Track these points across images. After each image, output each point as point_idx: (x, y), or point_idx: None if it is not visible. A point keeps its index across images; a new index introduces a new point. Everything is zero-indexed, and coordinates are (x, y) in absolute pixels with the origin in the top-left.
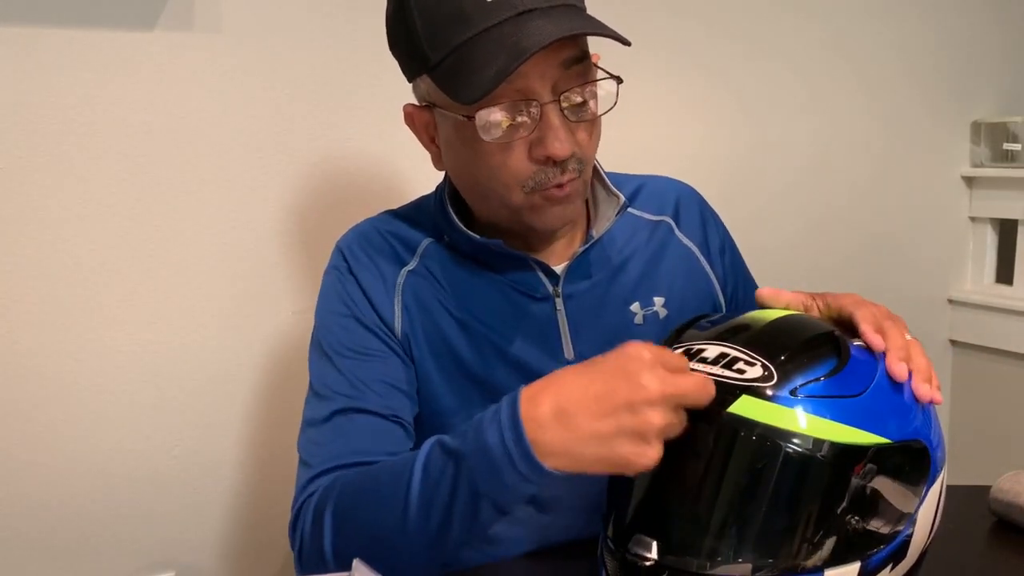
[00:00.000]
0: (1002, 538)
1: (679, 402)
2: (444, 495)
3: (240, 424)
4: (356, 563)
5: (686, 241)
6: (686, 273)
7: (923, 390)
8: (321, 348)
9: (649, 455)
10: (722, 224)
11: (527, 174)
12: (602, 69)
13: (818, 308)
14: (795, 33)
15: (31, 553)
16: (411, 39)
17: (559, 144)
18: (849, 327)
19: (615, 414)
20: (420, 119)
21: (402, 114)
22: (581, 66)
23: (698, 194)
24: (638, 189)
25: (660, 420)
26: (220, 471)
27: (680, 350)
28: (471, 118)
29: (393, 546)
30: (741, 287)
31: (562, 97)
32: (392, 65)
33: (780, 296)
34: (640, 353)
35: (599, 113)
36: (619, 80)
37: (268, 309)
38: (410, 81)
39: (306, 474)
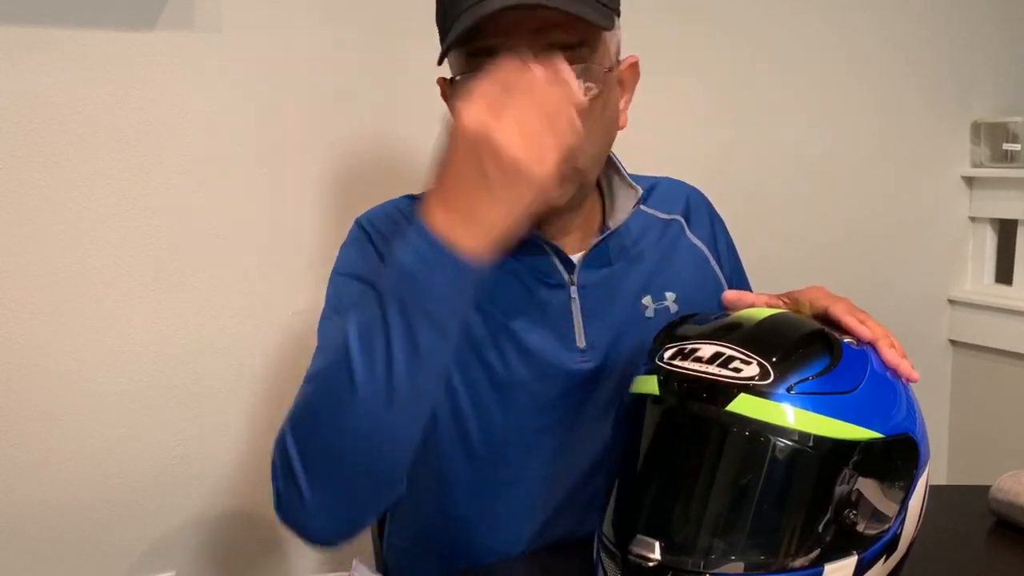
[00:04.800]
0: (1002, 538)
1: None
2: (379, 334)
3: (241, 424)
4: (356, 563)
5: (696, 241)
6: (697, 272)
7: (905, 367)
8: (331, 310)
9: (541, 169)
10: (725, 227)
11: None
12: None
13: (798, 307)
14: (795, 34)
15: (31, 553)
16: (439, 15)
17: None
18: (827, 321)
19: (482, 173)
20: (446, 92)
21: (400, 115)
22: (572, 52)
23: (705, 197)
24: (651, 188)
25: (511, 139)
26: (221, 471)
27: (673, 349)
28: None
29: (354, 422)
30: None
31: None
32: (391, 65)
33: (743, 298)
34: (464, 115)
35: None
36: (609, 69)
37: (268, 310)
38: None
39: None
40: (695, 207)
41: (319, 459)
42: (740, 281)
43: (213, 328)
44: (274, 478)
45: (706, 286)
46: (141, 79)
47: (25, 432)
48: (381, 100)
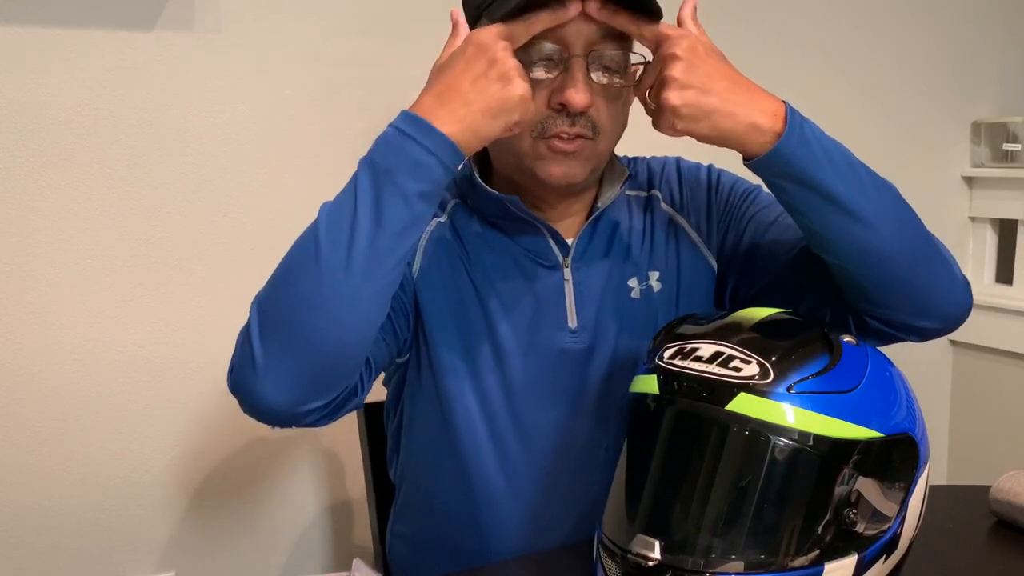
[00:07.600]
0: (1002, 538)
1: (512, 43)
2: (348, 197)
3: (240, 424)
4: (356, 562)
5: (669, 209)
6: (677, 246)
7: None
8: None
9: (520, 85)
10: (704, 175)
11: (539, 119)
12: (638, 54)
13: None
14: (795, 34)
15: (32, 553)
16: None
17: (575, 92)
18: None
19: (482, 72)
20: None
21: None
22: (618, 43)
23: (675, 160)
24: (635, 171)
25: (513, 59)
26: (220, 472)
27: (673, 348)
28: None
29: (309, 286)
30: (748, 228)
31: (590, 56)
32: (391, 65)
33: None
34: (476, 38)
35: (623, 83)
36: (648, 61)
37: None
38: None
39: None
40: (665, 176)
41: (273, 323)
42: (749, 219)
43: (212, 328)
44: (234, 349)
45: (687, 260)
46: (141, 79)
47: (24, 433)
48: (381, 100)
